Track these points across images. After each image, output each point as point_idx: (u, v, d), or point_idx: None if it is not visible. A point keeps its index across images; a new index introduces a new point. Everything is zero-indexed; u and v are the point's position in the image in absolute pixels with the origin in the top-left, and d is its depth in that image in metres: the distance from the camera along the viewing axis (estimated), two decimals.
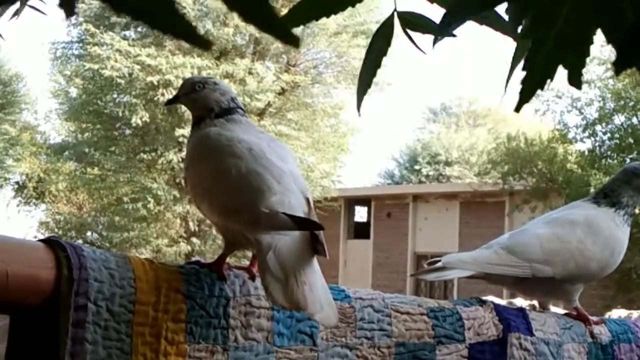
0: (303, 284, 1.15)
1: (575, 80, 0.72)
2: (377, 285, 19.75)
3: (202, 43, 0.55)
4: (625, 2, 0.67)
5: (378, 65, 1.03)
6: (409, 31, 1.02)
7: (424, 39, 1.04)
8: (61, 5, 0.53)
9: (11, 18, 1.99)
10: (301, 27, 0.94)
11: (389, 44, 1.02)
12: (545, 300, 1.92)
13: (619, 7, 0.68)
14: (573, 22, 0.70)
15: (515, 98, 0.72)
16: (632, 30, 0.67)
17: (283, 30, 0.56)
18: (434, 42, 0.74)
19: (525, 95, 0.72)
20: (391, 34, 1.01)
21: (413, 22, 1.02)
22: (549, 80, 0.72)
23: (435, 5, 0.95)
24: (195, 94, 1.46)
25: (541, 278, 1.81)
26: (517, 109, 0.74)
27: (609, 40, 0.69)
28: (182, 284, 1.23)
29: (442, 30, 0.73)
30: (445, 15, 0.74)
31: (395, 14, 1.02)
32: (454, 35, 0.85)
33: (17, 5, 1.95)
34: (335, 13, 0.88)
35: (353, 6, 0.88)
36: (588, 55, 0.71)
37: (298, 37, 0.56)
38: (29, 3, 1.95)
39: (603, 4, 0.69)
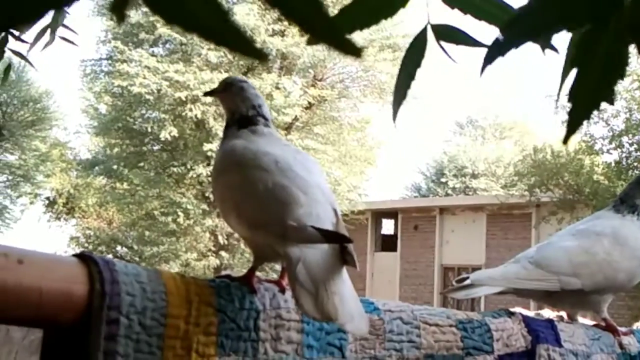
0: (333, 295, 1.14)
1: (609, 96, 0.70)
2: (405, 298, 19.66)
3: (258, 55, 0.53)
4: None
5: (412, 77, 1.02)
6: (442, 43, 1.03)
7: (453, 49, 1.05)
8: (112, 10, 0.52)
9: (43, 49, 2.06)
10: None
11: (422, 56, 1.01)
12: (573, 311, 1.91)
13: None
14: (615, 47, 0.67)
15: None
16: None
17: (344, 42, 0.54)
18: (483, 68, 0.71)
19: (573, 127, 0.70)
20: (425, 45, 1.01)
21: (446, 34, 1.02)
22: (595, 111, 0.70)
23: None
24: (223, 94, 1.49)
25: (570, 290, 1.80)
26: (565, 141, 0.72)
27: None
28: (213, 297, 1.24)
29: (495, 52, 0.70)
30: (499, 39, 0.70)
31: (429, 26, 1.02)
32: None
33: (48, 37, 2.02)
34: (377, 22, 0.88)
35: (392, 16, 0.88)
36: (625, 73, 0.69)
37: (360, 48, 0.55)
38: (60, 35, 2.02)
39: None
